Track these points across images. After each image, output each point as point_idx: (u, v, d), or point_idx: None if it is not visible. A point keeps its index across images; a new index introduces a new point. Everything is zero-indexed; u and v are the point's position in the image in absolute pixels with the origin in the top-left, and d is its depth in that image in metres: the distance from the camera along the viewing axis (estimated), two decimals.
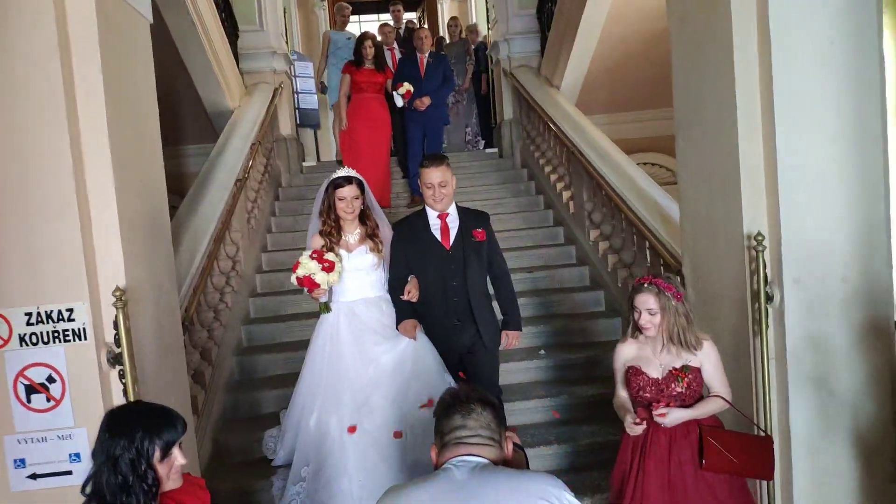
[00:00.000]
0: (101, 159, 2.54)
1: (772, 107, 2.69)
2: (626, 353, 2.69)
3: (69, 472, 2.54)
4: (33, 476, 2.53)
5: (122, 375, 2.55)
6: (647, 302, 2.53)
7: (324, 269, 3.22)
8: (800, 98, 2.70)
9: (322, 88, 8.40)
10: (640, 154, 7.22)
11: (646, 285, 2.55)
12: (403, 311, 3.34)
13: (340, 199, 3.37)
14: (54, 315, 2.48)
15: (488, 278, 3.48)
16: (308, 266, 3.23)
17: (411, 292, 3.27)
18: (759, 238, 2.73)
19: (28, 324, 2.47)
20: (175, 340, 3.17)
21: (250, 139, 5.84)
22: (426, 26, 7.43)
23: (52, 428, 2.52)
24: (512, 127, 7.55)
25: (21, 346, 2.48)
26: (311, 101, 9.14)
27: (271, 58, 7.44)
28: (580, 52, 6.43)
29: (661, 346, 2.59)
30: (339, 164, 6.61)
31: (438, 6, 13.21)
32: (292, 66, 8.26)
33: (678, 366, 2.55)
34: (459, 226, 3.38)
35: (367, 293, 3.46)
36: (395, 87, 6.39)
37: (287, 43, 8.42)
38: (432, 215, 3.38)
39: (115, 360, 2.56)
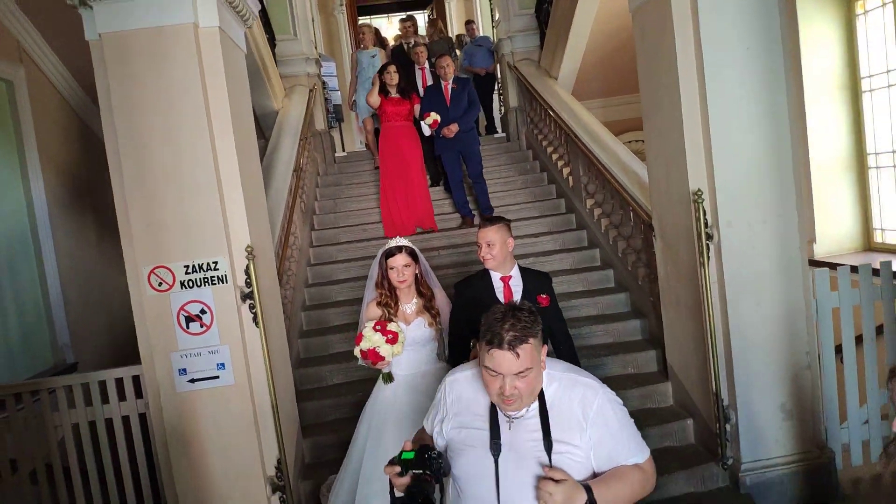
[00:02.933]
0: (229, 155, 3.60)
1: (706, 99, 3.72)
2: None
3: (217, 377, 3.62)
4: (192, 381, 3.61)
5: (252, 307, 3.64)
6: None
7: (388, 341, 3.24)
8: (726, 91, 3.72)
9: (352, 106, 8.66)
10: (630, 133, 8.23)
11: None
12: None
13: (391, 269, 3.41)
14: (204, 266, 3.56)
15: None
16: (372, 339, 3.24)
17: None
18: (700, 193, 3.77)
19: (186, 273, 3.55)
20: (275, 287, 4.26)
21: (298, 135, 6.90)
22: (444, 54, 7.45)
23: (205, 346, 3.59)
24: (517, 114, 8.57)
25: (181, 289, 3.55)
26: (336, 97, 10.19)
27: (305, 63, 8.52)
28: (574, 46, 7.44)
29: None
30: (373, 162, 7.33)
31: (447, 5, 14.21)
32: (321, 68, 9.32)
33: None
34: (523, 290, 3.40)
35: (423, 367, 3.47)
36: (422, 117, 6.55)
37: (315, 47, 9.47)
38: (495, 277, 3.42)
39: (246, 297, 3.64)
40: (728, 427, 3.89)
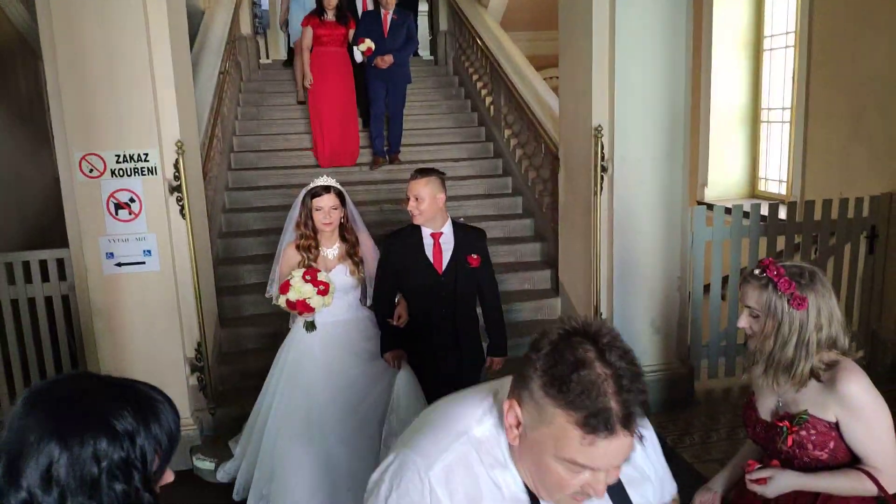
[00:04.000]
0: (163, 52, 3.72)
1: (614, 43, 4.09)
2: (756, 372, 1.92)
3: (143, 263, 3.83)
4: (118, 264, 3.81)
5: (179, 200, 3.84)
6: (745, 295, 1.89)
7: (319, 292, 3.08)
8: (632, 38, 4.10)
9: (283, 26, 8.37)
10: (552, 69, 8.52)
11: (755, 272, 1.88)
12: (390, 338, 3.25)
13: (317, 210, 3.19)
14: (135, 157, 3.71)
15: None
16: (302, 290, 3.07)
17: (402, 317, 3.21)
18: (600, 129, 4.18)
19: (117, 162, 3.70)
20: (200, 184, 4.44)
21: (224, 38, 6.85)
22: None
23: (132, 233, 3.78)
24: (446, 38, 8.72)
25: (112, 177, 3.71)
26: (264, 3, 9.99)
27: None
28: None
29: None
30: (303, 99, 6.86)
31: None
32: None
33: (792, 411, 1.87)
34: (454, 248, 3.22)
35: (343, 315, 3.31)
36: (355, 42, 6.31)
37: None
38: (426, 233, 3.22)
39: (174, 189, 3.83)
40: None
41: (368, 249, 3.39)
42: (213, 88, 5.81)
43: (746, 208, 4.77)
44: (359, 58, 6.34)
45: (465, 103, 7.85)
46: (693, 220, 4.53)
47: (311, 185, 3.25)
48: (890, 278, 4.94)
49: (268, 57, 10.38)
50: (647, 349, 4.45)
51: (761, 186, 7.29)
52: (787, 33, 6.78)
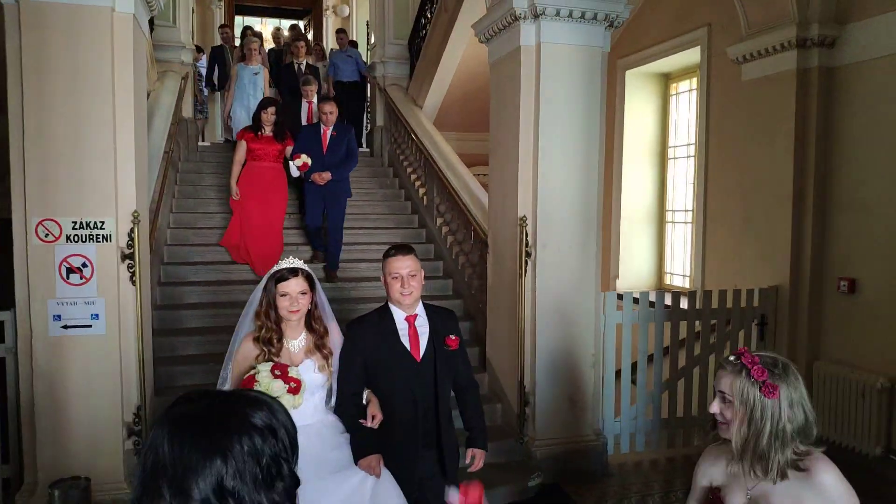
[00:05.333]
0: (127, 128, 4.00)
1: (538, 145, 4.65)
2: (710, 462, 2.03)
3: (90, 326, 3.95)
4: (65, 327, 3.92)
5: (130, 267, 4.02)
6: (719, 380, 1.92)
7: (290, 390, 2.68)
8: (553, 142, 4.67)
9: (225, 122, 8.45)
10: (479, 167, 9.21)
11: (731, 358, 1.92)
12: (365, 442, 2.76)
13: (283, 296, 2.79)
14: (91, 224, 3.91)
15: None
16: (271, 387, 2.64)
17: (375, 417, 2.77)
18: (525, 219, 4.67)
19: (73, 228, 3.88)
20: (147, 254, 4.62)
21: (169, 119, 7.15)
22: (332, 98, 6.97)
23: (82, 297, 3.92)
24: (383, 133, 9.30)
25: (67, 242, 3.88)
26: (203, 89, 10.38)
27: (180, 51, 8.71)
28: (440, 82, 8.33)
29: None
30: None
31: (324, 19, 14.76)
32: (195, 59, 9.51)
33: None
34: (430, 331, 2.90)
35: (307, 418, 2.76)
36: (292, 157, 6.23)
37: (193, 38, 9.64)
38: (398, 316, 2.88)
39: (127, 257, 4.01)
40: (527, 410, 4.79)
41: (338, 341, 2.96)
42: (158, 166, 6.05)
43: (653, 298, 5.32)
44: (294, 172, 6.28)
45: (399, 192, 8.33)
46: (605, 303, 5.02)
47: (276, 268, 2.85)
48: None
49: (204, 139, 10.70)
50: (566, 422, 4.80)
51: (667, 280, 7.99)
52: (688, 144, 7.66)
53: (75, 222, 3.88)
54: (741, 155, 6.12)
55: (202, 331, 5.73)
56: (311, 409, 2.83)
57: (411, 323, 2.89)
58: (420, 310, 2.94)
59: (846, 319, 5.23)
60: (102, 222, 3.92)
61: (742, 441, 1.85)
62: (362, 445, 2.77)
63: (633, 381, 5.35)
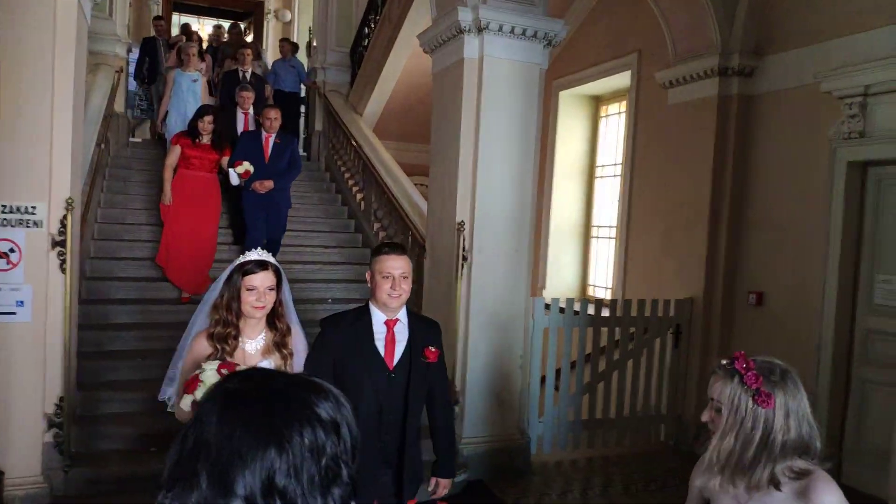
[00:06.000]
0: (65, 115, 3.94)
1: (477, 155, 4.83)
2: (702, 472, 1.87)
3: (14, 313, 3.86)
4: None
5: (61, 255, 3.95)
6: (711, 387, 1.81)
7: None
8: (492, 152, 4.86)
9: (160, 131, 8.06)
10: (416, 177, 9.37)
11: (723, 362, 1.80)
12: None
13: (249, 290, 2.59)
14: (22, 209, 3.83)
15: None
16: None
17: None
18: (462, 224, 4.84)
19: (2, 212, 3.79)
20: (77, 243, 4.53)
21: (102, 112, 7.00)
22: (274, 105, 6.66)
23: (7, 282, 3.83)
24: (321, 137, 9.33)
25: None
26: (132, 84, 10.16)
27: (115, 44, 8.54)
28: (381, 92, 8.46)
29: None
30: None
31: (265, 23, 14.68)
32: (129, 53, 9.32)
33: None
34: (409, 339, 2.70)
35: None
36: (232, 164, 5.94)
37: (129, 32, 9.44)
38: (378, 319, 2.68)
39: (57, 244, 3.94)
40: (457, 409, 4.91)
41: (300, 342, 2.79)
42: (90, 158, 5.92)
43: (578, 307, 5.57)
44: (235, 180, 5.96)
45: (336, 197, 8.37)
46: (534, 308, 5.22)
47: (243, 260, 2.65)
48: (691, 370, 5.88)
49: (134, 135, 10.45)
50: (493, 421, 4.96)
51: (591, 291, 8.32)
52: (615, 164, 8.03)
53: (5, 206, 3.80)
54: (664, 175, 6.49)
55: (129, 326, 5.63)
56: None
57: (390, 328, 2.68)
58: (403, 315, 2.72)
59: (754, 329, 5.61)
60: (34, 207, 3.85)
61: (726, 453, 1.70)
62: None
63: (557, 387, 5.58)
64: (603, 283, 8.10)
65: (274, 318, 2.70)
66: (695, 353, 5.85)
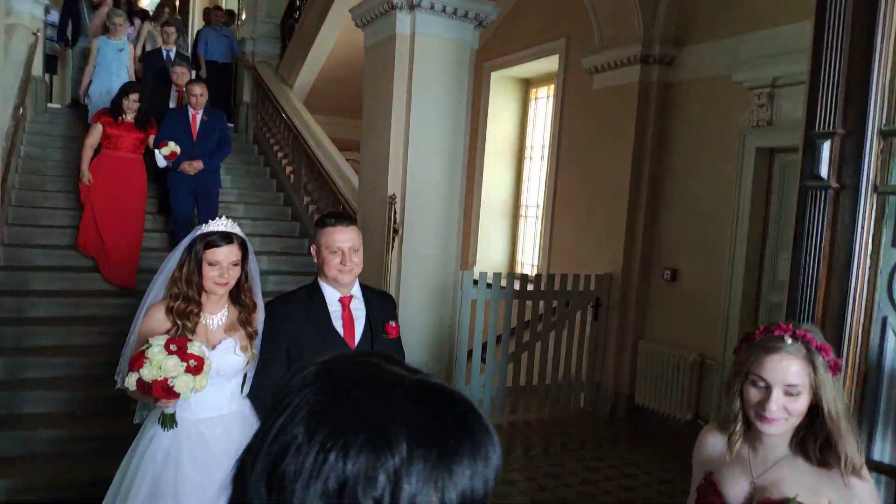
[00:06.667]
0: None
1: (409, 129, 4.94)
2: (711, 447, 1.75)
3: None
4: None
5: None
6: (786, 371, 1.54)
7: (189, 369, 2.17)
8: (423, 127, 4.98)
9: (82, 101, 7.60)
10: (347, 153, 9.38)
11: (787, 340, 1.55)
12: None
13: (212, 265, 2.37)
14: None
15: None
16: (164, 366, 2.14)
17: None
18: (394, 198, 4.95)
19: None
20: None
21: (20, 76, 6.70)
22: (202, 80, 6.27)
23: None
24: (248, 109, 9.20)
25: None
26: (54, 48, 9.72)
27: (32, 4, 8.15)
28: (311, 65, 8.41)
29: (768, 450, 1.63)
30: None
31: None
32: (47, 15, 8.90)
33: (774, 496, 1.56)
34: (366, 315, 2.54)
35: (223, 408, 2.44)
36: (157, 145, 5.63)
37: None
38: (331, 296, 2.50)
39: None
40: None
41: (262, 322, 2.54)
42: (6, 127, 5.69)
43: (504, 282, 5.81)
44: (161, 162, 5.66)
45: (265, 170, 8.31)
46: (463, 281, 5.41)
47: (205, 230, 2.41)
48: (609, 341, 6.21)
49: (51, 100, 10.02)
50: None
51: (519, 267, 8.59)
52: (543, 146, 8.28)
53: None
54: (588, 157, 6.76)
55: (51, 293, 5.49)
56: (227, 397, 2.46)
57: (346, 305, 2.50)
58: (356, 291, 2.55)
59: (668, 304, 5.98)
60: None
61: (818, 431, 1.55)
62: None
63: (483, 358, 5.80)
64: (530, 259, 8.38)
65: (239, 293, 2.50)
66: (613, 326, 6.19)
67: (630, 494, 4.49)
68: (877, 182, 1.60)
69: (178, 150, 5.60)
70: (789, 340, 1.53)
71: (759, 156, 5.37)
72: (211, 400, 2.40)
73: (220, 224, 2.44)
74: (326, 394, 0.68)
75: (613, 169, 6.33)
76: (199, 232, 2.43)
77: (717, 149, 5.66)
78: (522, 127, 8.75)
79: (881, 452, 1.67)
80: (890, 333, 1.66)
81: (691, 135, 5.90)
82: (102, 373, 4.26)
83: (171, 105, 6.76)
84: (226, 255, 2.39)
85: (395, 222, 4.97)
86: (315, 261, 2.55)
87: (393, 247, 5.00)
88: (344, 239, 2.44)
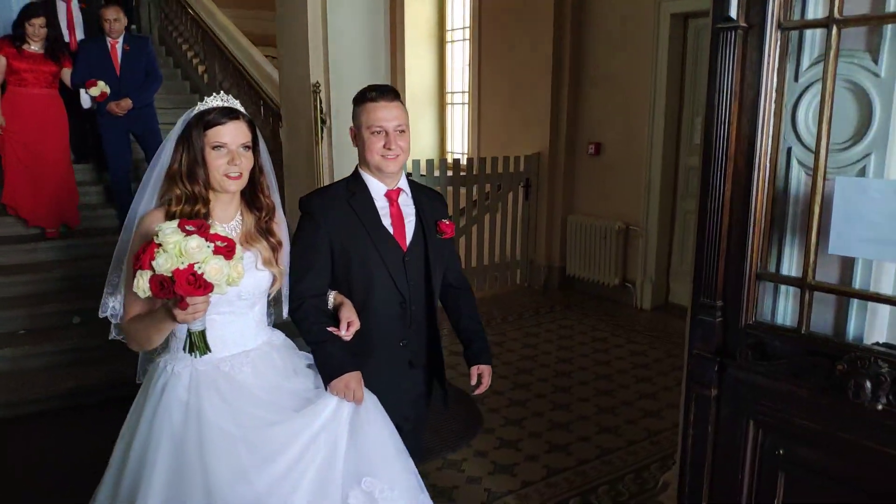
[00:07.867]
0: None
1: (326, 13, 4.78)
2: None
3: None
4: None
5: None
6: None
7: (218, 250, 1.62)
8: (342, 14, 4.82)
9: None
10: (263, 48, 8.99)
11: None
12: (338, 357, 1.96)
13: (216, 148, 1.83)
14: None
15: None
16: (185, 248, 1.58)
17: (352, 323, 2.01)
18: (318, 86, 4.85)
19: None
20: None
21: None
22: (112, 2, 5.27)
23: None
24: (150, 8, 8.63)
25: None
26: None
27: None
28: None
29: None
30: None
31: None
32: None
33: None
34: (416, 211, 2.19)
35: (248, 342, 1.93)
36: (84, 84, 5.03)
37: None
38: (377, 190, 2.13)
39: None
40: None
41: (284, 233, 2.04)
42: None
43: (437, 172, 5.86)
44: (87, 104, 5.09)
45: (175, 72, 7.90)
46: None
47: (201, 108, 1.87)
48: (541, 219, 6.43)
49: None
50: None
51: (449, 157, 8.64)
52: (463, 28, 8.15)
53: None
54: (508, 36, 6.72)
55: None
56: (252, 328, 1.95)
57: (394, 200, 2.13)
58: (404, 184, 2.17)
59: (593, 177, 6.19)
60: None
61: None
62: (334, 363, 1.94)
63: None
64: (460, 148, 8.42)
65: (255, 193, 1.95)
66: (543, 204, 6.39)
67: (569, 353, 4.83)
68: (780, 19, 1.70)
69: (108, 90, 5.02)
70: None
71: (673, 21, 5.47)
72: (232, 333, 1.89)
73: (216, 100, 1.87)
74: None
75: (535, 48, 6.33)
76: (192, 113, 1.86)
77: (633, 19, 5.72)
78: (441, 9, 8.54)
79: (788, 267, 1.88)
80: (794, 161, 1.83)
81: (609, 7, 5.92)
82: None
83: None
84: (233, 134, 1.83)
85: (321, 112, 4.89)
86: (354, 145, 2.16)
87: (322, 138, 4.94)
88: (389, 116, 2.04)
